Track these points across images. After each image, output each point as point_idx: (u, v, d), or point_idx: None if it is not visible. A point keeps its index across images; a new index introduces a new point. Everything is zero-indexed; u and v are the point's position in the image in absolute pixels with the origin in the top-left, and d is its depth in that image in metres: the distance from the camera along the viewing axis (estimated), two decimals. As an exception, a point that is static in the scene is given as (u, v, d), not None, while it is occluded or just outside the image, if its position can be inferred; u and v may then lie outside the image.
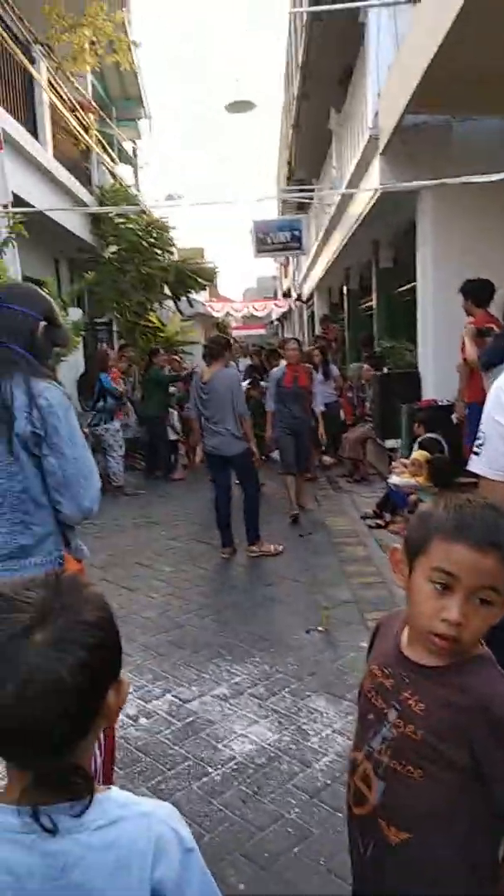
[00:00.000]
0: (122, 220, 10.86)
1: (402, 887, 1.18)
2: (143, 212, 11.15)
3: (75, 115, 9.79)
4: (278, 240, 13.67)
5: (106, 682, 0.88)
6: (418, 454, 5.29)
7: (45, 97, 8.29)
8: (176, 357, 10.78)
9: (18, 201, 6.69)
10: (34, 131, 7.98)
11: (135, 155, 17.15)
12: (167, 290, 12.22)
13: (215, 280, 21.68)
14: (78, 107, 10.15)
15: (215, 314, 23.13)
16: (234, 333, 32.32)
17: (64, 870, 0.83)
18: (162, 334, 12.20)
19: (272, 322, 31.12)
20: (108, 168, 11.84)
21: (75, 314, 8.69)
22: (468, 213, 6.24)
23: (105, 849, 0.85)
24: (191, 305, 13.59)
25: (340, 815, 2.32)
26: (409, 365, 7.38)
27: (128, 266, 10.91)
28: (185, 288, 12.37)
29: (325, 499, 7.15)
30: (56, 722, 0.80)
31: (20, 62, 7.60)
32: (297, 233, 13.43)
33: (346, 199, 8.60)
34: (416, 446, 5.56)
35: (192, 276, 12.20)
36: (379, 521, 5.87)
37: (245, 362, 12.35)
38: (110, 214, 10.39)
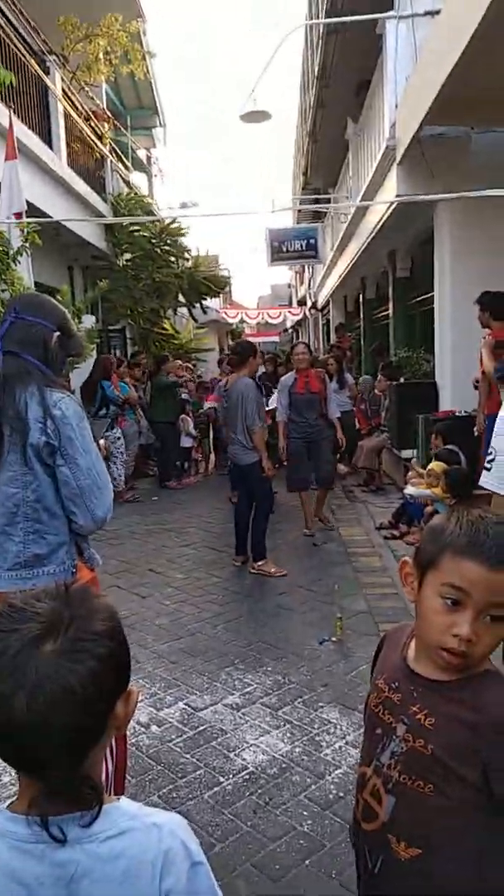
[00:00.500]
0: (136, 228, 10.94)
1: None
2: (154, 217, 11.24)
3: (89, 125, 9.89)
4: (293, 248, 13.68)
5: (115, 691, 0.88)
6: (435, 465, 5.26)
7: (59, 107, 8.38)
8: (189, 365, 10.82)
9: (33, 210, 6.76)
10: (48, 140, 8.07)
11: (149, 163, 17.29)
12: (181, 298, 12.28)
13: (229, 287, 21.75)
14: (92, 116, 10.25)
15: (230, 321, 23.22)
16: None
17: (73, 880, 0.83)
18: (175, 341, 12.26)
19: (286, 330, 31.18)
20: (122, 176, 11.94)
21: (89, 321, 8.74)
22: (486, 224, 6.23)
23: (113, 859, 0.85)
24: (204, 312, 13.64)
25: (353, 828, 2.30)
26: (425, 375, 7.37)
27: (142, 273, 10.98)
28: (198, 295, 12.43)
29: (339, 508, 7.12)
30: (66, 732, 0.81)
31: (35, 72, 7.69)
32: (312, 241, 13.43)
33: (363, 209, 8.61)
34: (433, 457, 5.53)
35: (206, 283, 12.25)
36: (394, 532, 5.84)
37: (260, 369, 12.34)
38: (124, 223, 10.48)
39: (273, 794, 2.53)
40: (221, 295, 18.33)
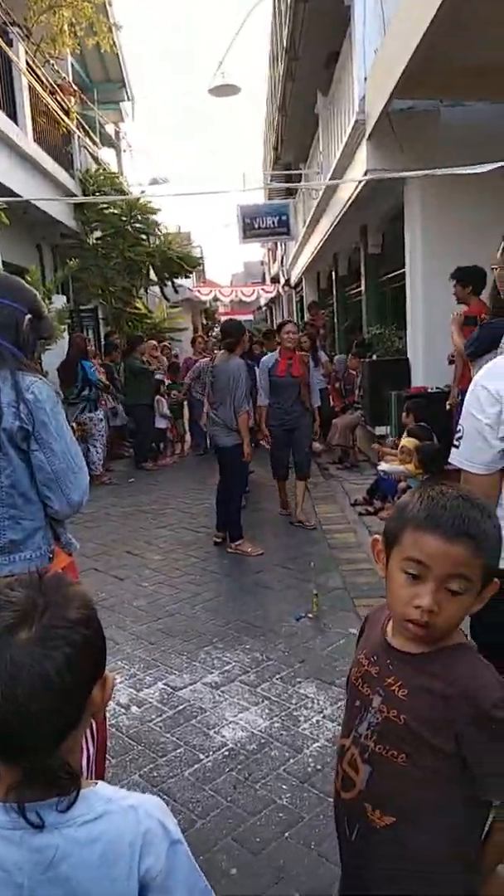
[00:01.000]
0: (105, 206, 10.75)
1: (386, 871, 1.20)
2: (127, 196, 11.04)
3: (55, 99, 9.64)
4: (265, 225, 13.52)
5: (91, 677, 0.89)
6: (407, 441, 5.32)
7: (23, 80, 8.14)
8: (165, 344, 10.72)
9: None
10: (13, 116, 7.85)
11: (117, 138, 16.95)
12: (153, 276, 12.13)
13: (202, 265, 21.52)
14: (58, 90, 9.99)
15: (203, 299, 23.04)
16: (223, 319, 32.23)
17: (52, 864, 0.85)
18: (148, 321, 12.12)
19: (260, 307, 31.05)
20: (90, 152, 11.69)
21: (59, 302, 8.62)
22: (456, 199, 6.22)
23: (91, 843, 0.87)
24: (176, 291, 13.50)
25: (331, 799, 2.35)
26: (398, 352, 7.39)
27: (112, 252, 10.81)
28: (170, 273, 12.28)
29: (314, 486, 7.15)
30: (43, 719, 0.82)
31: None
32: (284, 217, 13.29)
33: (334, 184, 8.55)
34: (405, 434, 5.58)
35: (178, 262, 12.11)
36: (369, 508, 5.90)
37: None
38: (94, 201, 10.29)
39: (252, 770, 2.58)
40: (194, 273, 18.12)
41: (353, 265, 11.31)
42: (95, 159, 12.09)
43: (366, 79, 6.26)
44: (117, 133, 16.98)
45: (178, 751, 2.73)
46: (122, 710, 3.05)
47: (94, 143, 12.58)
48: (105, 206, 10.72)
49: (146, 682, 3.31)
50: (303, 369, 5.77)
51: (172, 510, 6.68)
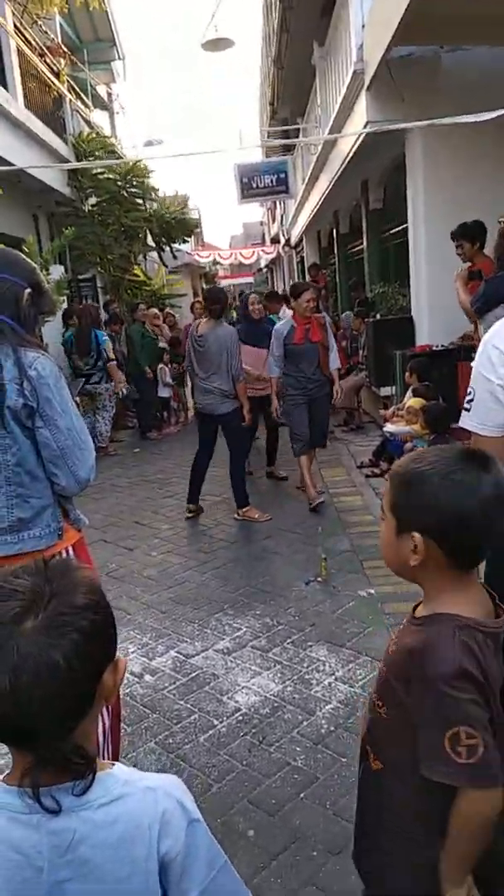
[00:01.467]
0: (100, 171, 10.53)
1: (372, 812, 1.30)
2: (122, 159, 10.80)
3: (44, 61, 9.37)
4: (263, 183, 13.21)
5: (101, 663, 0.88)
6: (413, 401, 5.26)
7: (11, 43, 7.90)
8: (169, 312, 10.61)
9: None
10: (3, 80, 7.64)
11: (110, 99, 16.53)
12: (150, 241, 11.94)
13: (199, 228, 21.16)
14: (47, 51, 9.70)
15: (202, 262, 22.72)
16: (222, 283, 31.86)
17: (70, 846, 0.85)
18: (148, 288, 11.98)
19: (261, 269, 30.65)
20: (82, 115, 11.40)
21: (58, 272, 8.50)
22: (458, 148, 6.05)
23: (110, 825, 0.87)
24: (174, 257, 13.29)
25: (344, 759, 2.39)
26: (402, 310, 7.28)
27: (109, 218, 10.62)
28: (168, 238, 12.08)
29: (320, 449, 7.13)
30: (52, 707, 0.81)
31: (-17, 5, 7.23)
32: (282, 175, 12.98)
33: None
34: (409, 394, 5.52)
35: (175, 225, 11.89)
36: (375, 470, 5.88)
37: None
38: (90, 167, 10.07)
39: (266, 733, 2.61)
40: (193, 237, 17.84)
41: (354, 222, 11.09)
42: (88, 123, 11.79)
43: (363, 26, 6.03)
44: (109, 95, 16.56)
45: (193, 717, 2.76)
46: (136, 679, 3.09)
47: (87, 105, 12.27)
48: (100, 171, 10.50)
49: (158, 650, 3.34)
50: (321, 332, 5.36)
51: (178, 479, 6.66)
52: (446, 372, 5.67)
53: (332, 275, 13.14)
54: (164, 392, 9.42)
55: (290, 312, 7.24)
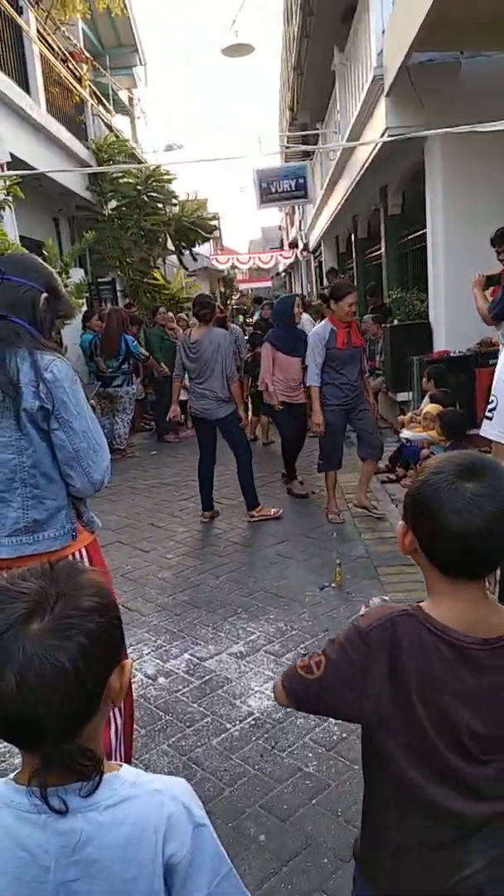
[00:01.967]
0: (120, 175, 10.61)
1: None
2: (142, 164, 10.88)
3: (67, 67, 9.48)
4: (282, 188, 13.25)
5: (108, 666, 0.89)
6: (430, 407, 5.24)
7: (35, 49, 8.00)
8: (183, 316, 10.66)
9: (13, 160, 6.54)
10: (26, 86, 7.74)
11: (131, 104, 16.66)
12: (170, 245, 12.01)
13: (218, 232, 21.21)
14: (69, 57, 9.81)
15: (220, 267, 22.79)
16: (241, 287, 31.87)
17: (77, 847, 0.86)
18: (166, 291, 12.04)
19: (279, 274, 30.65)
20: (104, 121, 11.51)
21: (77, 275, 8.57)
22: (478, 154, 6.03)
23: (116, 826, 0.87)
24: (195, 259, 13.36)
25: (357, 767, 2.38)
26: (419, 315, 7.26)
27: (129, 222, 10.70)
28: (187, 241, 12.13)
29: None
30: (58, 709, 0.82)
31: (7, 13, 7.31)
32: (301, 180, 13.01)
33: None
34: (426, 400, 5.50)
35: (194, 229, 11.95)
36: (391, 476, 5.86)
37: (257, 316, 12.13)
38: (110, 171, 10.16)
39: (279, 738, 2.61)
40: (212, 241, 17.90)
41: (372, 227, 11.08)
42: (109, 128, 11.90)
43: (384, 32, 6.04)
44: (131, 100, 16.69)
45: (206, 720, 2.77)
46: (150, 682, 3.10)
47: (108, 110, 12.38)
48: (119, 175, 10.58)
49: (172, 653, 3.35)
50: (360, 337, 5.20)
51: (195, 482, 6.62)
52: (464, 378, 5.65)
53: (350, 280, 13.12)
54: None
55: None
